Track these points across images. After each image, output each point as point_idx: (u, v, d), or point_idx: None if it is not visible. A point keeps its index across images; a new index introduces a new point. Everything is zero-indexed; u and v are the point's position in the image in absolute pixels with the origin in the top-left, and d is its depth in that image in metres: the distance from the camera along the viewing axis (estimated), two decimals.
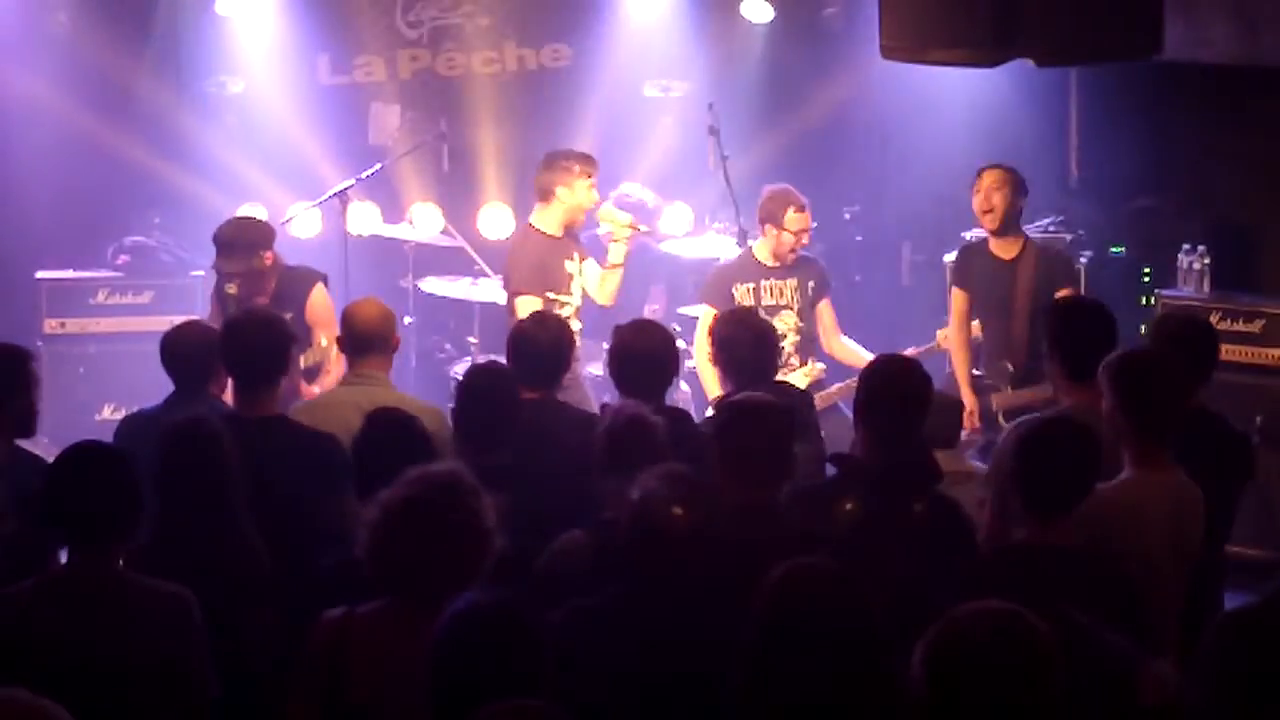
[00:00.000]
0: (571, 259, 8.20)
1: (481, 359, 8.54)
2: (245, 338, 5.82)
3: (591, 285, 8.24)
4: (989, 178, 8.04)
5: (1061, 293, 7.71)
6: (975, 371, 8.12)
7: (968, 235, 8.88)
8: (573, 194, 8.17)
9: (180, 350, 6.13)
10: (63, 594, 4.22)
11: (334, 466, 5.52)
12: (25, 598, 4.26)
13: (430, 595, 3.88)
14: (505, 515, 5.12)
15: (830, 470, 5.51)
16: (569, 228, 8.22)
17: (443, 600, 3.72)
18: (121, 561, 4.49)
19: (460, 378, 7.43)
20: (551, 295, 8.03)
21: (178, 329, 6.41)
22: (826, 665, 3.29)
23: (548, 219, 8.23)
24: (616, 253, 8.21)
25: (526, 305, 7.91)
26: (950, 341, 8.26)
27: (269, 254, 7.58)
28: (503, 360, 6.23)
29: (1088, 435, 4.63)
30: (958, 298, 8.24)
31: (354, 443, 4.92)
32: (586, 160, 8.26)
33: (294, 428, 5.78)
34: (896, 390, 5.09)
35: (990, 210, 7.98)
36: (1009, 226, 8.03)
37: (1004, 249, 8.06)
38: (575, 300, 8.15)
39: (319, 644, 4.05)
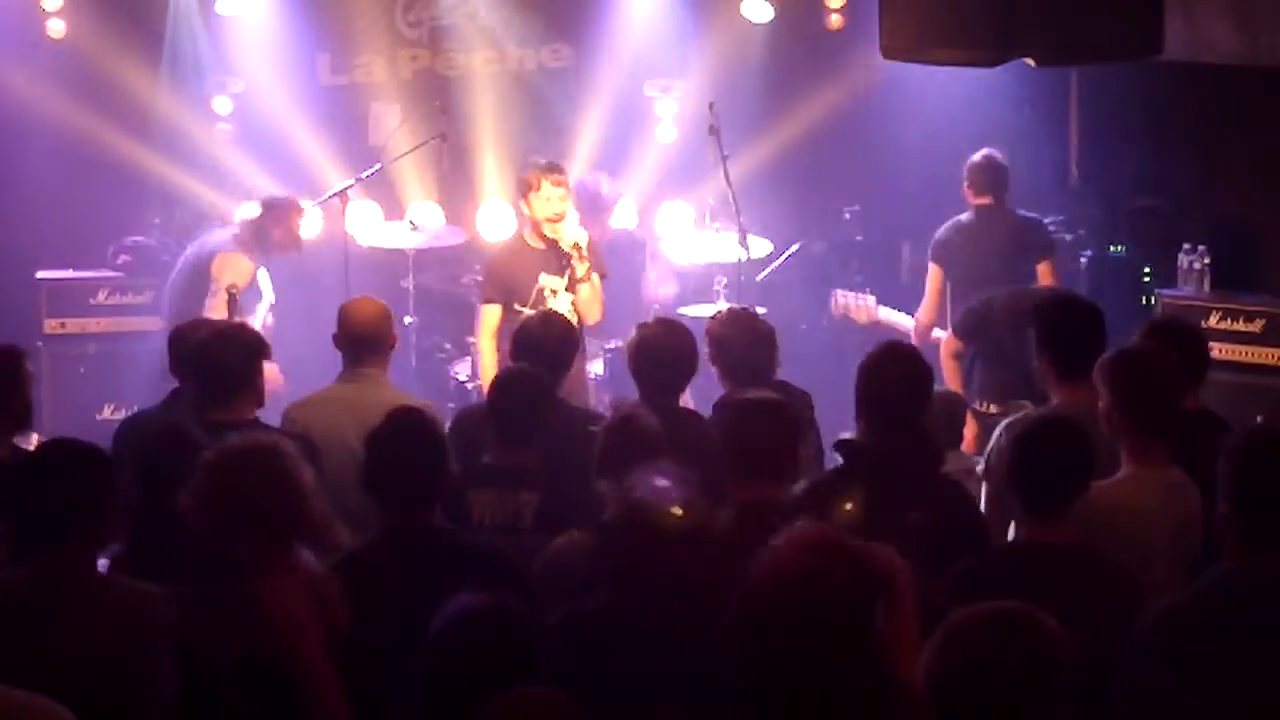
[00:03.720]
0: (552, 273, 8.04)
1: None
2: (214, 350, 5.78)
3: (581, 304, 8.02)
4: None
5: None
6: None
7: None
8: (530, 208, 8.10)
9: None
10: (22, 593, 4.14)
11: None
12: None
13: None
14: (538, 515, 5.19)
15: (831, 458, 5.52)
16: (551, 241, 8.06)
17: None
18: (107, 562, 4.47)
19: (471, 380, 7.41)
20: (517, 306, 7.89)
21: (187, 326, 6.44)
22: (814, 662, 3.27)
23: (527, 231, 8.25)
24: (577, 269, 8.00)
25: (488, 314, 8.06)
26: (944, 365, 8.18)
27: None
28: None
29: (1082, 433, 4.63)
30: (951, 344, 8.08)
31: (368, 439, 4.90)
32: (543, 170, 8.11)
33: (260, 429, 5.74)
34: (896, 377, 5.08)
35: None
36: None
37: None
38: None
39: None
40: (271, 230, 8.61)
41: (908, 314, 8.97)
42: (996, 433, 5.65)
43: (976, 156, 8.78)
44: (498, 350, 7.88)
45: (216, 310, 7.96)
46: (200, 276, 8.54)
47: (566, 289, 8.04)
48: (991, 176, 8.68)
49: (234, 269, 8.38)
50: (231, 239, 8.65)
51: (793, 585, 3.23)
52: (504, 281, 8.11)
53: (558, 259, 8.07)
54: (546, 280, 8.06)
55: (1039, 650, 3.04)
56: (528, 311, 7.68)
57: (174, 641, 4.22)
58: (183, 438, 4.96)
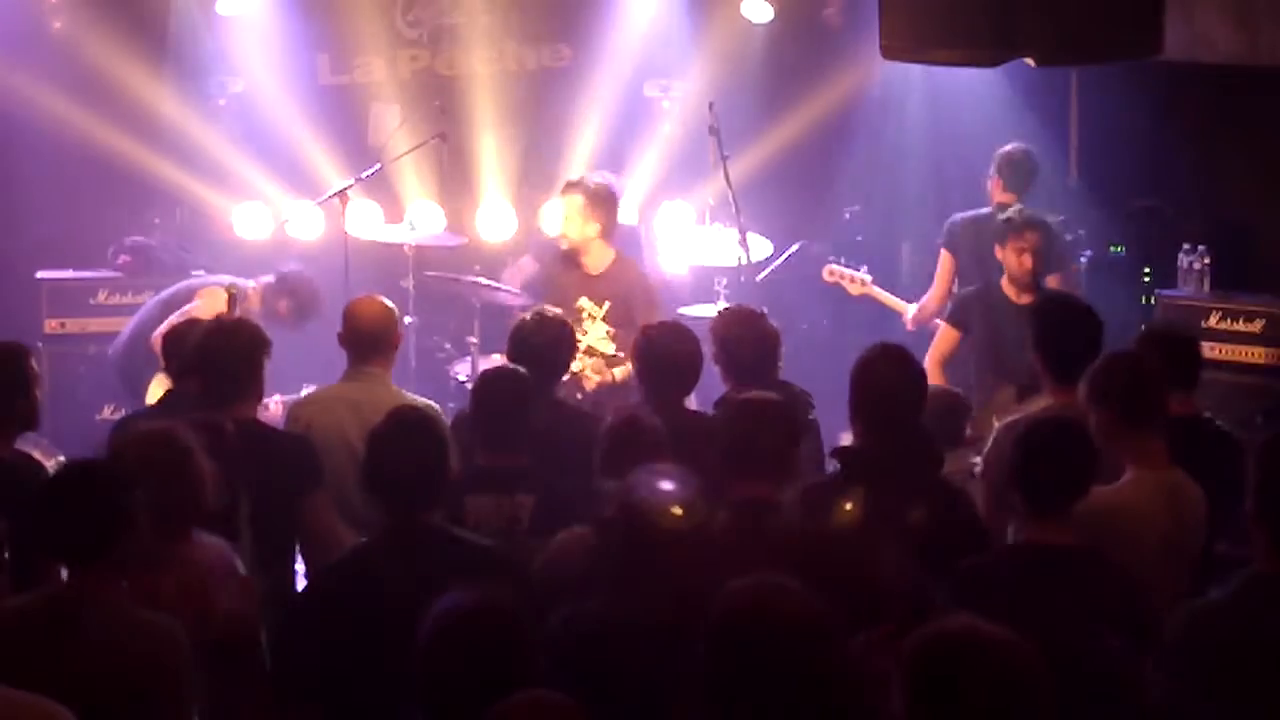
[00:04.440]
0: (590, 296, 8.04)
1: (482, 360, 8.58)
2: (220, 347, 5.77)
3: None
4: (1031, 238, 7.63)
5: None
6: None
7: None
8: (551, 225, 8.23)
9: (180, 348, 6.15)
10: (51, 616, 4.11)
11: (303, 467, 5.57)
12: (13, 617, 4.15)
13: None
14: (536, 516, 5.19)
15: (830, 464, 5.52)
16: (577, 257, 8.11)
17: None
18: None
19: (471, 380, 7.39)
20: None
21: (180, 325, 6.45)
22: (780, 694, 3.26)
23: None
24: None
25: None
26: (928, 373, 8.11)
27: None
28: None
29: (1084, 434, 4.63)
30: (949, 336, 8.05)
31: (369, 437, 4.89)
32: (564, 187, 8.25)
33: (265, 430, 5.75)
34: (889, 379, 5.07)
35: (1026, 276, 7.66)
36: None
37: (1020, 293, 7.72)
38: (585, 339, 7.86)
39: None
40: (278, 301, 8.48)
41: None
42: (994, 432, 5.65)
43: (1011, 148, 8.70)
44: None
45: (203, 313, 7.93)
46: (175, 308, 8.42)
47: (604, 319, 8.00)
48: (1022, 174, 8.59)
49: (211, 301, 8.27)
50: (242, 284, 8.47)
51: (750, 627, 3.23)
52: (550, 290, 8.08)
53: (586, 282, 8.08)
54: (586, 304, 8.06)
55: (1005, 663, 3.05)
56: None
57: (191, 676, 4.19)
58: (170, 439, 4.93)
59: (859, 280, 9.02)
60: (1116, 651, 4.00)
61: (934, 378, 7.92)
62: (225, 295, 8.15)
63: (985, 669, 3.04)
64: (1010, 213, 7.93)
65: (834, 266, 9.14)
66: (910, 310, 8.85)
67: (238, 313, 7.79)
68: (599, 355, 7.94)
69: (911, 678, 3.07)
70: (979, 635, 3.08)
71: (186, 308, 8.26)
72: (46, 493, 4.30)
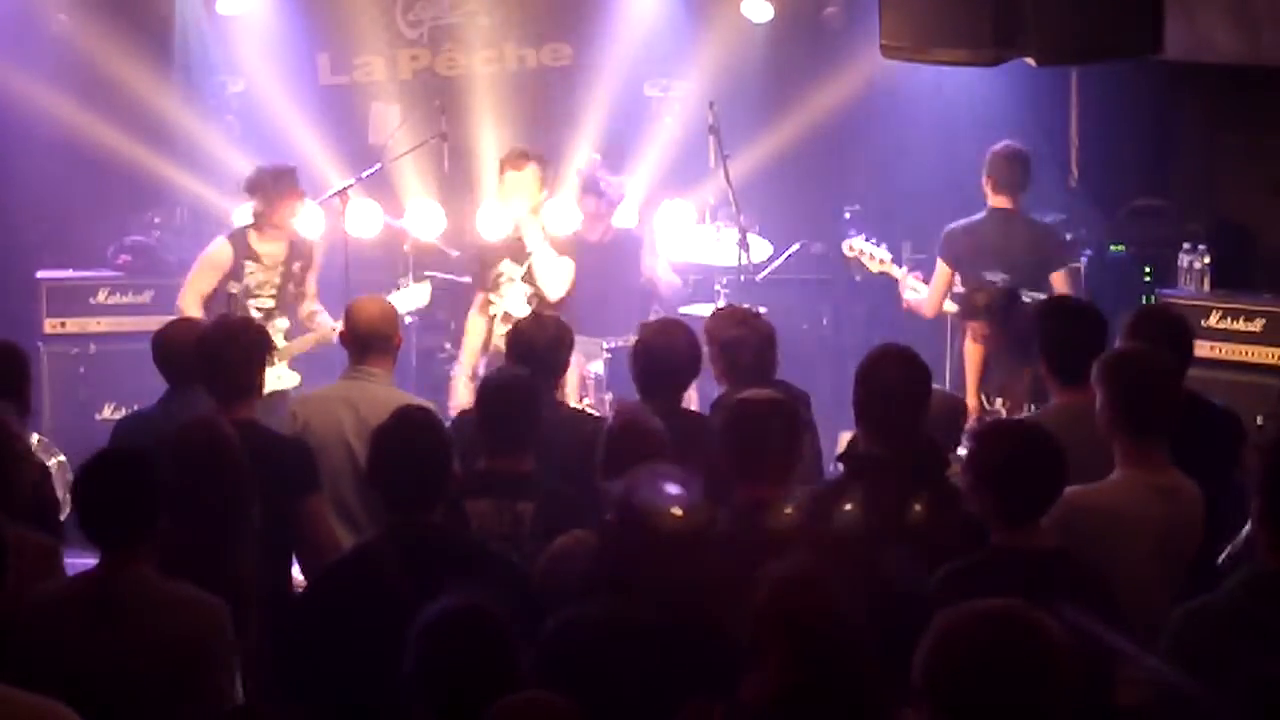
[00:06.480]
0: (513, 260, 8.29)
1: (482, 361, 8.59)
2: (220, 347, 5.77)
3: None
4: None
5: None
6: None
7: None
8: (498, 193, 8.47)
9: (174, 349, 6.14)
10: (91, 600, 4.18)
11: (302, 470, 5.58)
12: (55, 603, 4.23)
13: None
14: (532, 521, 5.19)
15: (834, 467, 5.51)
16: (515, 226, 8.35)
17: None
18: None
19: (479, 385, 7.52)
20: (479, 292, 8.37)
21: (170, 326, 6.45)
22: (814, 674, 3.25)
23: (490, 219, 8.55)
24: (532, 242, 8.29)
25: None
26: (967, 360, 8.19)
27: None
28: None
29: (1047, 440, 4.54)
30: (943, 273, 8.35)
31: (374, 435, 4.89)
32: (507, 158, 8.45)
33: (264, 433, 5.74)
34: (894, 381, 5.03)
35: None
36: None
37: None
38: (502, 303, 8.25)
39: None
40: (270, 214, 8.31)
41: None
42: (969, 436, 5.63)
43: (1000, 147, 8.56)
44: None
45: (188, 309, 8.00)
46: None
47: (523, 279, 8.25)
48: (1014, 173, 8.44)
49: (200, 263, 8.29)
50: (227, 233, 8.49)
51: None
52: (477, 270, 8.48)
53: (510, 248, 8.31)
54: (505, 267, 8.30)
55: (1038, 648, 3.01)
56: (492, 297, 8.24)
57: (235, 652, 4.24)
58: (213, 432, 4.96)
59: (879, 258, 8.93)
60: (1097, 649, 3.99)
61: (972, 355, 8.03)
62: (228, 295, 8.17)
63: (1021, 648, 2.99)
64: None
65: (853, 242, 9.03)
66: (909, 289, 8.78)
67: (238, 312, 7.80)
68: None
69: (941, 655, 3.01)
70: (1015, 614, 3.03)
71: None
72: (82, 480, 4.34)
